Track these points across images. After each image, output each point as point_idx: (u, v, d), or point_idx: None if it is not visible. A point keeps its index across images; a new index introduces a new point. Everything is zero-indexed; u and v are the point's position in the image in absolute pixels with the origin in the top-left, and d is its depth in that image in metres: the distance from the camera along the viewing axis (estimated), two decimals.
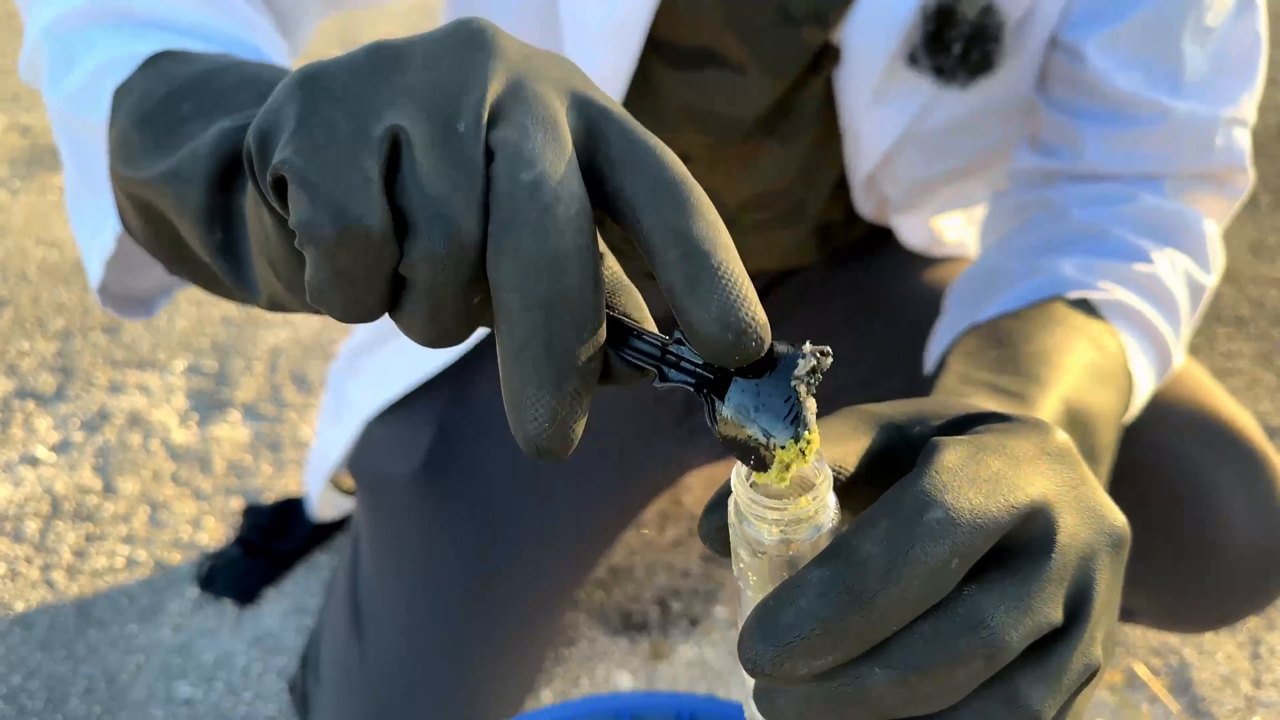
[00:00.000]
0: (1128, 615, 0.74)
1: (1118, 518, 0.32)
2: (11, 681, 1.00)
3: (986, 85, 0.62)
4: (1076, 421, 0.46)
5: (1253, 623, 1.05)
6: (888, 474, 0.32)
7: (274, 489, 1.20)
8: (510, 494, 0.84)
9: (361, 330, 0.93)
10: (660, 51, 0.66)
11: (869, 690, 0.27)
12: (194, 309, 1.51)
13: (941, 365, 0.53)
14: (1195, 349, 1.43)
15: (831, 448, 0.31)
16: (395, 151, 0.26)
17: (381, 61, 0.27)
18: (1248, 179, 0.64)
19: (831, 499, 0.28)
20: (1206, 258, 0.62)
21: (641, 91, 0.68)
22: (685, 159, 0.71)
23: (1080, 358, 0.49)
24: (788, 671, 0.26)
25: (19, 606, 1.07)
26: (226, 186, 0.38)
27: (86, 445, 1.27)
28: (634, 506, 0.92)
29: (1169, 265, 0.59)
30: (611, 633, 1.04)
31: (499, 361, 0.26)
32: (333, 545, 1.13)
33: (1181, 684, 1.00)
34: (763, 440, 0.26)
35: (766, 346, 0.25)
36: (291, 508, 1.12)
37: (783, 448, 0.26)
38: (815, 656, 0.26)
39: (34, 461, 1.25)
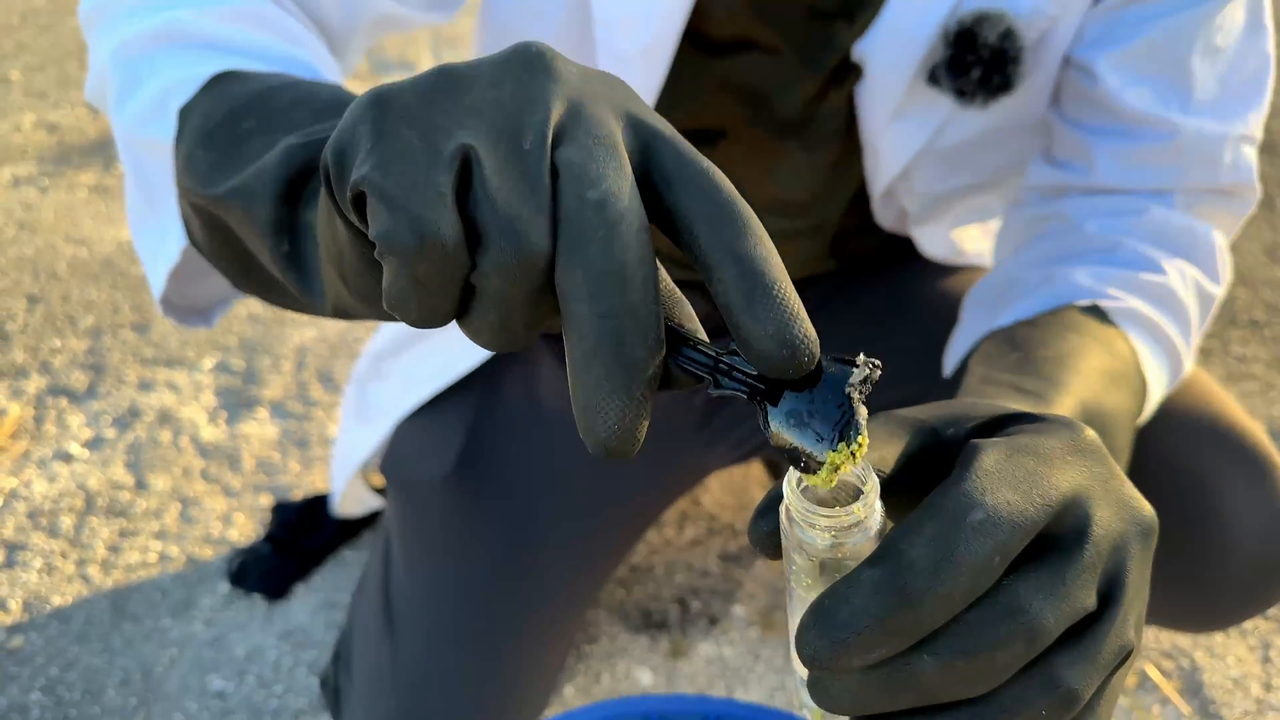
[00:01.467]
0: None
1: (1146, 509, 0.34)
2: (50, 673, 1.03)
3: (1004, 105, 0.64)
4: (1094, 422, 0.48)
5: (1263, 626, 1.07)
6: (924, 474, 0.34)
7: (302, 486, 1.22)
8: (537, 496, 0.87)
9: (384, 335, 0.95)
10: (697, 43, 0.67)
11: (918, 676, 0.29)
12: None
13: (962, 369, 0.54)
14: (1209, 353, 1.44)
15: (870, 452, 0.33)
16: (466, 168, 0.28)
17: (449, 84, 0.29)
18: (1255, 194, 0.65)
19: (878, 504, 0.30)
20: (1215, 269, 0.64)
21: (680, 75, 0.69)
22: (719, 135, 0.73)
23: (1095, 362, 0.51)
24: (843, 664, 0.29)
25: (56, 600, 1.10)
26: (293, 200, 0.40)
27: (118, 442, 1.30)
28: (656, 508, 0.95)
29: (1179, 275, 0.61)
30: (632, 630, 1.06)
31: (569, 369, 0.27)
32: (360, 542, 1.15)
33: (1193, 686, 1.01)
34: (815, 445, 0.28)
35: (816, 360, 0.28)
36: (320, 504, 1.15)
37: (835, 450, 0.28)
38: (868, 650, 0.28)
39: (68, 458, 1.28)
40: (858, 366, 0.28)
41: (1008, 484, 0.30)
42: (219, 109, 0.46)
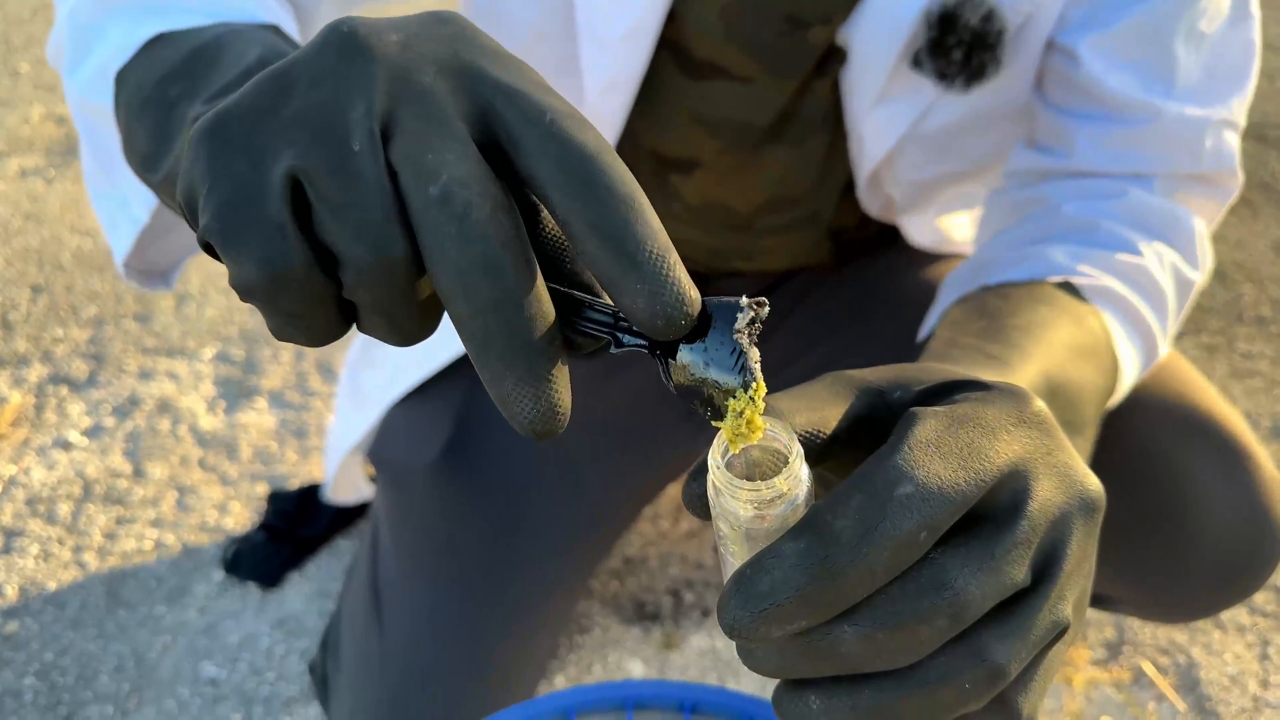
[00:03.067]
0: (1114, 605, 0.75)
1: (1091, 483, 0.33)
2: (44, 658, 1.04)
3: (986, 89, 0.64)
4: (1057, 393, 0.47)
5: (1262, 624, 1.06)
6: (868, 436, 0.33)
7: (299, 475, 1.23)
8: (526, 484, 0.86)
9: None
10: (674, 55, 0.67)
11: (839, 646, 0.28)
12: (222, 298, 1.55)
13: (931, 334, 0.54)
14: (1214, 349, 1.43)
15: (813, 411, 0.32)
16: (300, 189, 0.27)
17: (270, 95, 0.28)
18: (1237, 181, 0.65)
19: (804, 472, 0.29)
20: (1195, 254, 0.63)
21: (655, 97, 0.69)
22: (696, 164, 0.73)
23: (1063, 334, 0.50)
24: (763, 634, 0.28)
25: (51, 586, 1.11)
26: None
27: (117, 430, 1.31)
28: (644, 496, 0.94)
29: (1156, 258, 0.60)
30: (625, 621, 1.06)
31: (473, 364, 0.27)
32: (355, 531, 1.15)
33: (1189, 683, 1.01)
34: (716, 392, 0.28)
35: (695, 318, 0.27)
36: (316, 494, 1.15)
37: (734, 397, 0.27)
38: (789, 621, 0.28)
39: (66, 446, 1.28)
40: (741, 310, 0.27)
41: (941, 456, 0.29)
42: (150, 76, 0.44)
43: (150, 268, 0.58)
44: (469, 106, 0.27)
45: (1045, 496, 0.31)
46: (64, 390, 1.37)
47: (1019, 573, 0.29)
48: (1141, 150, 0.62)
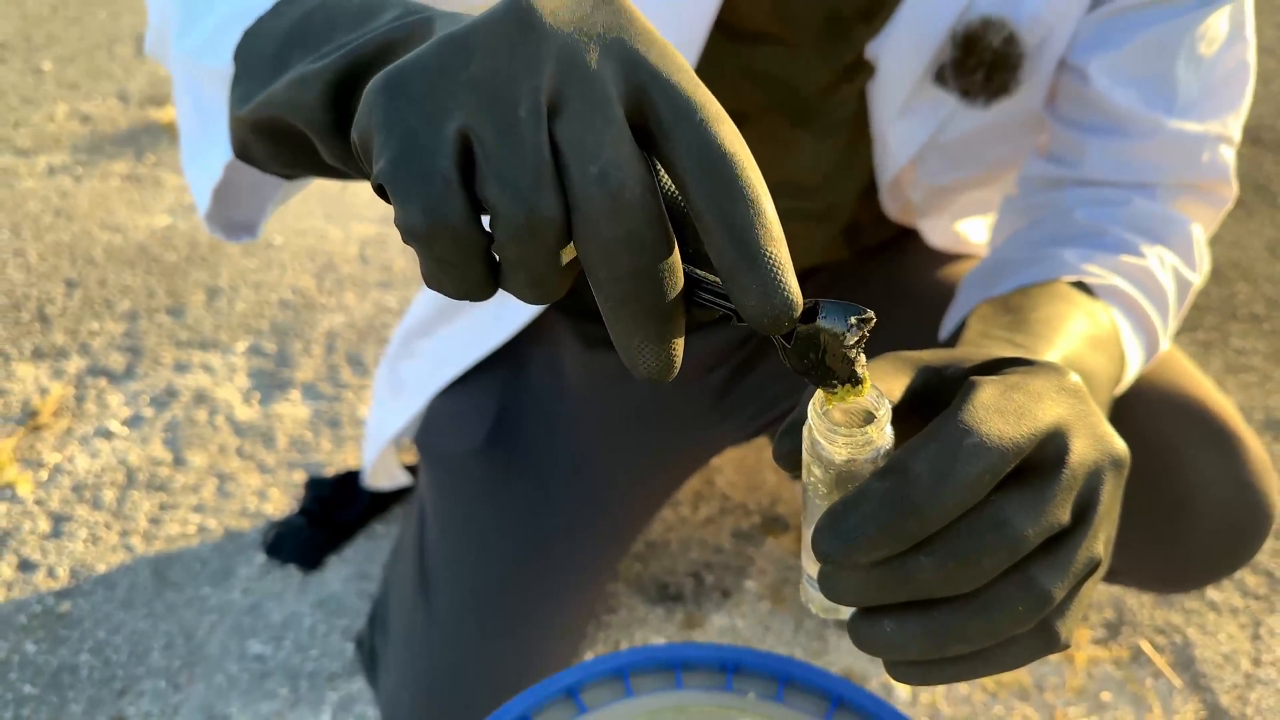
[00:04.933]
0: (1115, 576, 0.80)
1: (1119, 443, 0.38)
2: (97, 636, 1.09)
3: (1003, 105, 0.69)
4: (1083, 372, 0.52)
5: (1254, 606, 1.11)
6: (925, 408, 0.39)
7: (334, 463, 1.28)
8: (561, 469, 0.92)
9: (414, 316, 1.00)
10: (722, 29, 0.72)
11: (914, 575, 0.34)
12: (253, 292, 1.60)
13: (961, 328, 0.59)
14: (1209, 345, 1.48)
15: (880, 383, 0.38)
16: (469, 147, 0.30)
17: (448, 57, 0.31)
18: (1232, 191, 0.70)
19: (889, 428, 0.35)
20: (1193, 257, 0.68)
21: (704, 59, 0.73)
22: (744, 119, 0.77)
23: (1079, 326, 0.56)
24: (851, 561, 0.33)
25: (100, 568, 1.16)
26: (342, 103, 0.40)
27: (156, 421, 1.36)
28: (672, 482, 1.00)
29: (1158, 260, 0.66)
30: (649, 602, 1.11)
31: (604, 318, 0.31)
32: (390, 516, 1.21)
33: (1185, 661, 1.06)
34: (825, 381, 0.32)
35: (795, 319, 0.30)
36: (352, 480, 1.20)
37: (840, 388, 0.32)
38: (873, 549, 0.33)
39: (108, 435, 1.33)
40: (851, 326, 0.31)
41: (999, 415, 0.34)
42: (277, 30, 0.46)
43: (230, 222, 0.61)
44: (627, 89, 0.30)
45: (1082, 451, 0.36)
46: (103, 382, 1.42)
47: (1064, 514, 0.35)
48: (1145, 161, 0.68)
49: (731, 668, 0.61)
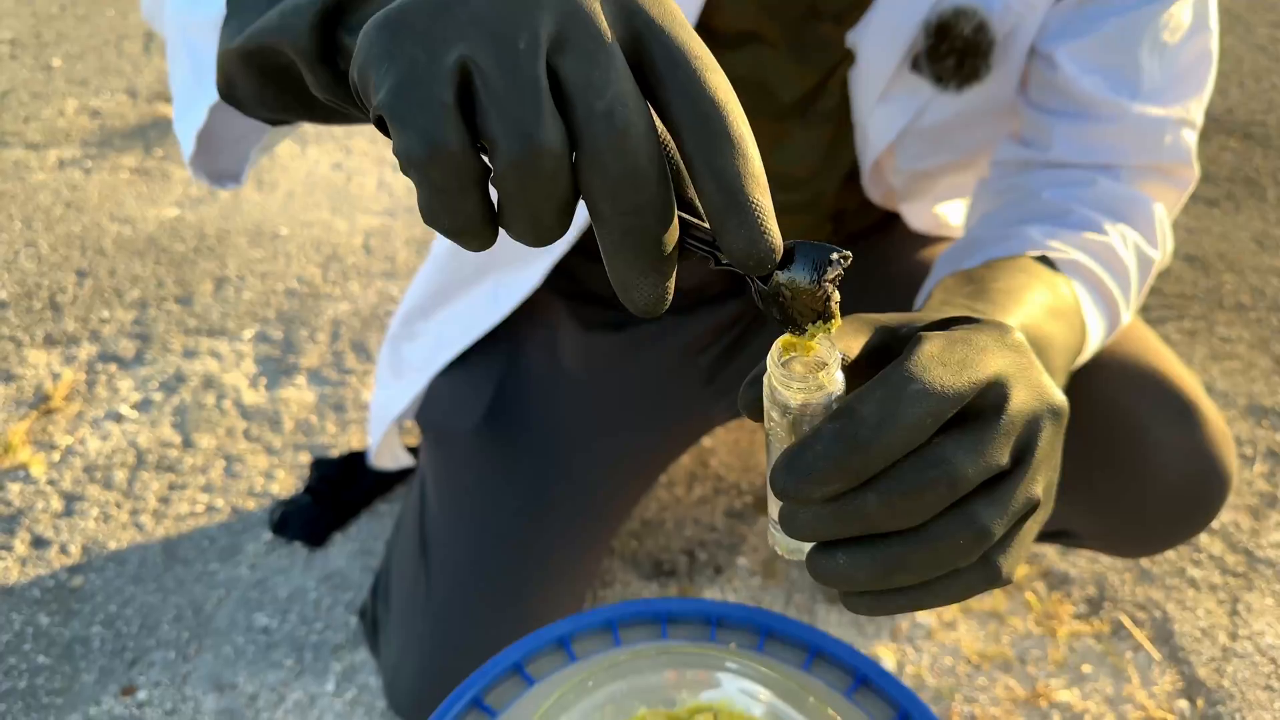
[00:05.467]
0: (1082, 541, 0.83)
1: (1057, 395, 0.41)
2: (109, 609, 1.12)
3: (977, 90, 0.72)
4: (1031, 341, 0.54)
5: (1233, 583, 1.15)
6: (881, 363, 0.42)
7: (339, 446, 1.31)
8: (557, 447, 0.95)
9: (414, 297, 1.03)
10: (705, 32, 0.75)
11: (863, 508, 0.37)
12: (260, 282, 1.63)
13: (926, 299, 0.62)
14: (1194, 333, 1.51)
15: (840, 340, 0.41)
16: (468, 78, 0.31)
17: None
18: (1193, 173, 0.74)
19: (839, 376, 0.38)
20: (1155, 235, 0.72)
21: None
22: None
23: (1039, 297, 0.59)
24: (806, 495, 0.37)
25: (112, 545, 1.19)
26: (330, 29, 0.41)
27: (165, 405, 1.39)
28: (666, 458, 1.03)
29: (1120, 238, 0.69)
30: (643, 577, 1.15)
31: (601, 251, 0.33)
32: (393, 495, 1.24)
33: (1164, 635, 1.09)
34: (795, 311, 0.35)
35: (778, 262, 0.33)
36: (357, 461, 1.24)
37: (810, 326, 0.35)
38: (826, 485, 0.36)
39: (119, 418, 1.37)
40: (832, 262, 0.34)
41: (942, 365, 0.38)
42: None
43: (216, 170, 0.63)
44: (625, 34, 0.32)
45: (1021, 400, 0.39)
46: (113, 367, 1.46)
47: (1002, 456, 0.38)
48: (1109, 144, 0.71)
49: (715, 620, 0.65)
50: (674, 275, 0.34)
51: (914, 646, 1.09)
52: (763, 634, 0.64)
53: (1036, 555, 1.18)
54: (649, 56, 0.32)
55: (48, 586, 1.15)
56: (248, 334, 1.52)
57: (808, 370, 0.37)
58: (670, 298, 0.34)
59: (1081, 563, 1.17)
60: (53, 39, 2.47)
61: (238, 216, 1.81)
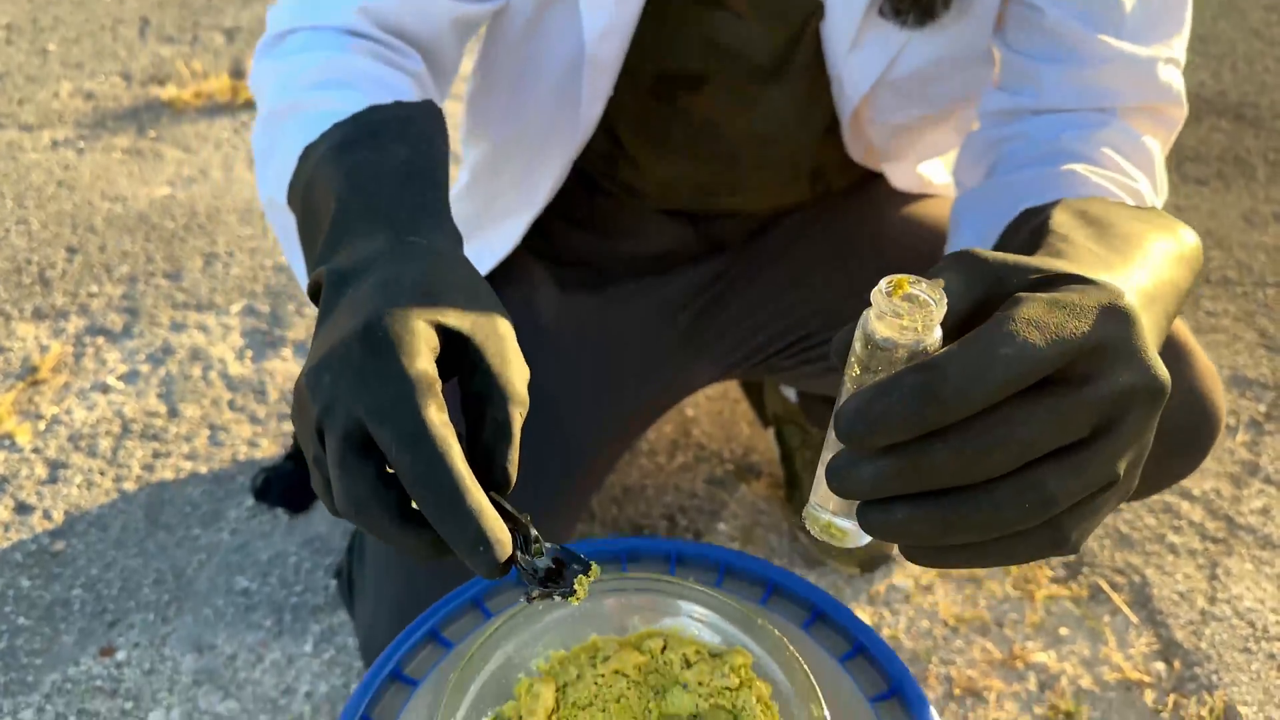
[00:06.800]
0: None
1: (1160, 373, 0.39)
2: (90, 573, 1.13)
3: (949, 34, 0.72)
4: (1155, 295, 0.50)
5: (1213, 548, 1.14)
6: (983, 315, 0.40)
7: None
8: (535, 406, 0.95)
9: None
10: (670, 7, 0.76)
11: (927, 462, 0.36)
12: (248, 258, 1.64)
13: (1044, 229, 0.57)
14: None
15: (948, 287, 0.40)
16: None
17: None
18: (1183, 112, 0.73)
19: (938, 330, 0.37)
20: (1155, 175, 0.71)
21: (667, 19, 0.77)
22: (704, 81, 0.81)
23: (1163, 242, 0.54)
24: (871, 442, 0.36)
25: (94, 511, 1.20)
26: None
27: (152, 376, 1.40)
28: (644, 420, 1.03)
29: (1144, 183, 0.68)
30: None
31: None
32: None
33: (1142, 599, 1.09)
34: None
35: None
36: None
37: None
38: (894, 433, 0.35)
39: (105, 389, 1.37)
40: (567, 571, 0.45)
41: (1038, 329, 0.36)
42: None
43: None
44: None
45: (1115, 373, 0.37)
46: (101, 340, 1.46)
47: (1081, 427, 0.36)
48: (1103, 86, 0.70)
49: (674, 557, 0.65)
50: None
51: (890, 610, 1.09)
52: (721, 570, 0.64)
53: None
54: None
55: (29, 550, 1.15)
56: (235, 308, 1.53)
57: (912, 309, 0.36)
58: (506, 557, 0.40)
59: None
60: (49, 24, 2.48)
61: (229, 195, 1.81)
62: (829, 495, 0.41)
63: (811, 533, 0.43)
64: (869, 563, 1.12)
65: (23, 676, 1.02)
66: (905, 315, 0.36)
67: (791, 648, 0.51)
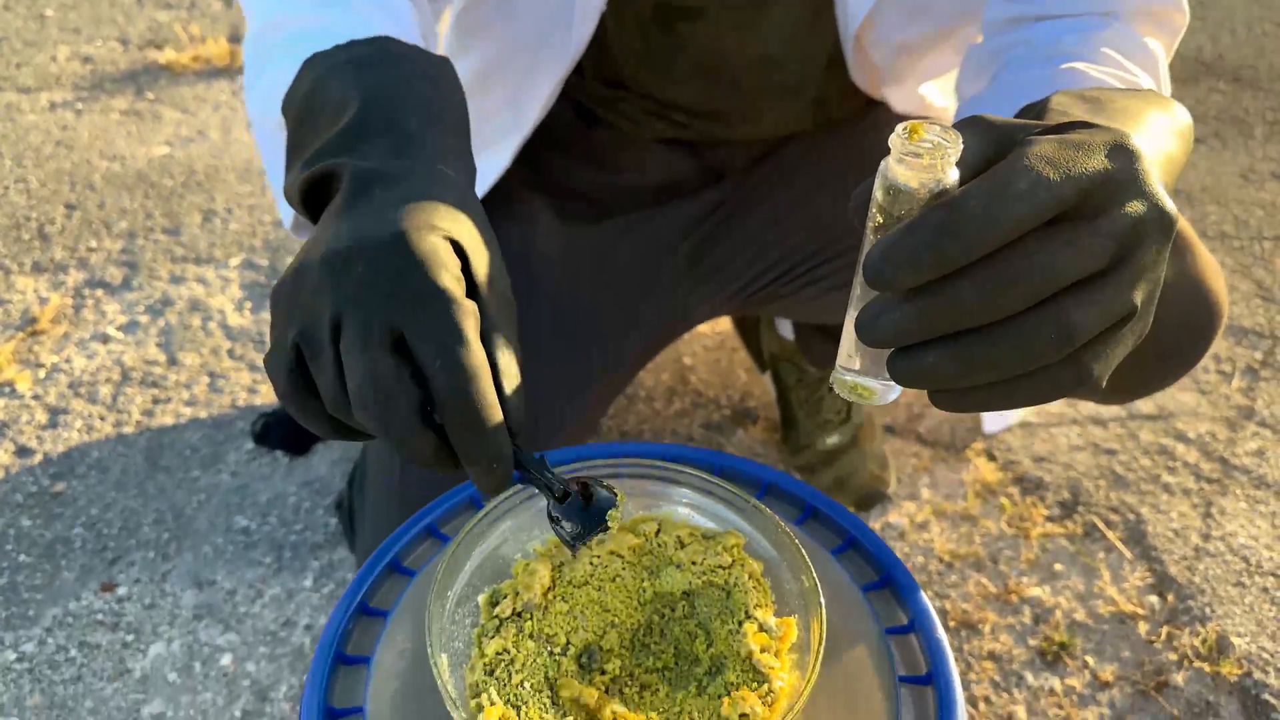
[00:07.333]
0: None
1: (1168, 204, 0.40)
2: (90, 513, 1.14)
3: None
4: (1156, 157, 0.51)
5: (1207, 488, 1.15)
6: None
7: None
8: (537, 337, 0.96)
9: None
10: None
11: (953, 299, 0.36)
12: (247, 214, 1.64)
13: (1042, 109, 0.59)
14: None
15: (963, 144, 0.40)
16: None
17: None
18: (1184, 18, 0.73)
19: (954, 170, 0.38)
20: (1159, 74, 0.71)
21: None
22: (701, 12, 0.81)
23: (1159, 115, 0.55)
24: (899, 281, 0.36)
25: (94, 454, 1.21)
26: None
27: (151, 326, 1.40)
28: (643, 354, 1.03)
29: (1142, 74, 0.68)
30: None
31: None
32: None
33: (1136, 536, 1.10)
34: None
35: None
36: None
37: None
38: (921, 272, 0.36)
39: (105, 339, 1.38)
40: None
41: (1051, 164, 0.37)
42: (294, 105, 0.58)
43: None
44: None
45: (1128, 205, 0.39)
46: (100, 293, 1.47)
47: (1099, 257, 0.37)
48: None
49: (670, 459, 0.65)
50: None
51: None
52: (716, 471, 0.65)
53: (1010, 461, 1.19)
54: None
55: (30, 492, 1.16)
56: (234, 262, 1.53)
57: (929, 152, 0.37)
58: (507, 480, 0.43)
59: (1055, 469, 1.18)
60: None
61: (227, 155, 1.82)
62: (854, 355, 0.43)
63: (840, 395, 0.44)
64: (865, 500, 1.13)
65: (24, 611, 1.03)
66: (925, 155, 0.37)
67: (784, 525, 0.51)
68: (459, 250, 0.45)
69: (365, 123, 0.52)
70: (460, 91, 0.60)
